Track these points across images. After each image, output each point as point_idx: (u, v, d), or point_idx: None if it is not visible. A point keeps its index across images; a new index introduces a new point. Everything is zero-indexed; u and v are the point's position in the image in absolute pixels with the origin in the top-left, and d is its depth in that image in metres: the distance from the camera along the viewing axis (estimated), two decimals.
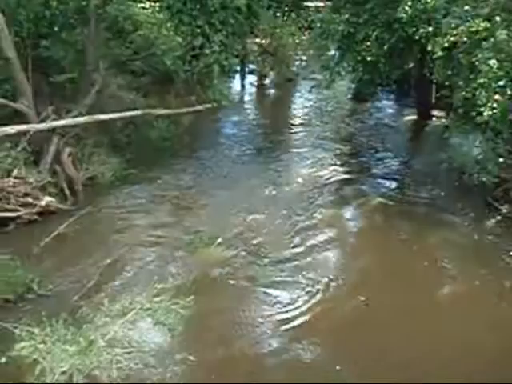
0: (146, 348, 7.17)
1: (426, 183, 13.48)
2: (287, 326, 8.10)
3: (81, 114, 12.69)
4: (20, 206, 10.83)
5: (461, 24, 10.64)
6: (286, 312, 8.42)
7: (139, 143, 14.71)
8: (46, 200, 11.16)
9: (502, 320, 8.30)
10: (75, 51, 13.69)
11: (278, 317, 8.31)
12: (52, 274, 9.02)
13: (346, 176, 14.24)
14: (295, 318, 8.30)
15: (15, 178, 10.98)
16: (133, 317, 6.86)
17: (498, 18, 10.42)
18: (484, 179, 11.46)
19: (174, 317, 7.19)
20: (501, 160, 11.32)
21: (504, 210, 11.47)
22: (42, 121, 11.89)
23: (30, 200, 10.96)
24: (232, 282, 9.23)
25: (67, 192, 11.85)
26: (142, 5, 16.19)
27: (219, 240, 10.30)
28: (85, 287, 8.76)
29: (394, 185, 13.81)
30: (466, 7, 10.63)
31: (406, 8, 11.82)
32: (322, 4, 18.84)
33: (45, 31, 12.78)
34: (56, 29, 13.12)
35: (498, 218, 11.38)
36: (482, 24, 10.42)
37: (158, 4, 16.57)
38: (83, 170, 12.54)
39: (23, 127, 11.37)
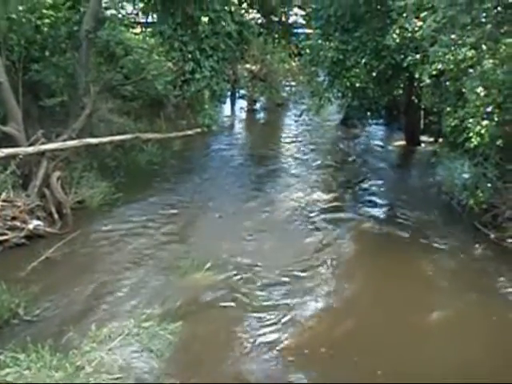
0: (132, 374, 7.05)
1: (414, 208, 13.54)
2: (277, 351, 8.02)
3: (71, 138, 12.69)
4: (7, 229, 10.71)
5: (448, 52, 10.83)
6: (277, 337, 8.33)
7: (128, 167, 14.70)
8: (34, 224, 11.07)
9: (492, 345, 8.27)
10: (66, 75, 13.74)
11: (268, 341, 8.23)
12: (39, 299, 8.88)
13: (336, 200, 14.29)
14: (285, 342, 8.21)
15: (3, 201, 10.90)
16: (120, 342, 6.77)
17: (483, 47, 10.62)
18: (472, 204, 11.54)
19: (161, 342, 7.11)
20: (489, 185, 11.41)
21: (492, 236, 11.53)
22: (32, 144, 11.87)
23: (17, 223, 10.86)
24: (222, 306, 9.14)
25: (56, 216, 11.75)
26: (134, 30, 16.36)
27: (210, 264, 10.24)
28: (71, 312, 8.65)
29: (383, 209, 13.88)
30: (453, 36, 10.83)
31: (394, 36, 12.07)
32: (311, 31, 19.09)
33: (36, 55, 12.84)
34: (47, 53, 13.20)
35: (486, 243, 11.42)
36: (469, 52, 10.62)
37: (149, 29, 16.76)
38: (72, 194, 12.46)
39: (12, 150, 11.34)
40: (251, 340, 8.24)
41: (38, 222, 11.23)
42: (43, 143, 11.99)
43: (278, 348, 8.04)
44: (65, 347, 6.88)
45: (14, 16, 11.83)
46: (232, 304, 9.18)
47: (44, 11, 12.11)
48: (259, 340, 8.22)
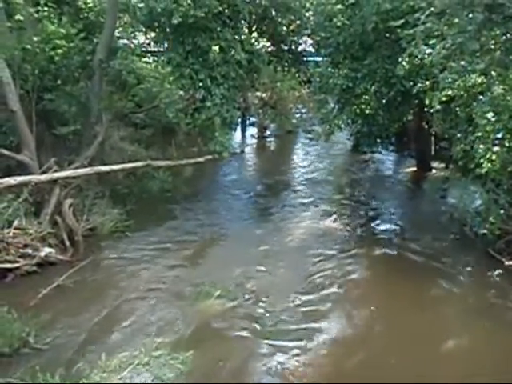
0: None
1: (427, 234, 13.42)
2: (289, 380, 7.92)
3: (83, 166, 12.80)
4: (19, 257, 10.76)
5: (458, 79, 10.86)
6: (289, 365, 8.23)
7: (140, 194, 14.76)
8: (45, 251, 11.11)
9: (507, 372, 8.11)
10: (79, 104, 13.91)
11: (280, 370, 8.12)
12: (49, 327, 8.88)
13: (347, 226, 14.22)
14: (298, 370, 8.10)
15: (15, 228, 10.96)
16: (130, 372, 6.71)
17: (493, 73, 10.64)
18: (485, 231, 11.43)
19: (172, 372, 7.05)
20: (502, 212, 11.31)
21: (506, 263, 11.39)
22: (44, 172, 11.98)
23: (29, 251, 10.91)
24: (233, 334, 9.08)
25: (67, 243, 11.79)
26: (146, 59, 16.58)
27: (219, 291, 10.20)
28: (82, 340, 8.61)
29: (395, 236, 13.76)
30: (463, 62, 10.86)
31: (404, 63, 12.10)
32: (321, 59, 19.26)
33: (49, 84, 13.01)
34: (60, 82, 13.38)
35: (501, 270, 11.28)
36: (479, 79, 10.65)
37: (161, 58, 16.97)
38: (84, 221, 12.52)
39: (25, 178, 11.44)
40: (262, 369, 8.15)
41: (50, 250, 11.26)
42: (56, 171, 12.11)
43: (290, 377, 7.95)
44: (75, 376, 6.84)
45: (28, 46, 12.05)
46: (242, 332, 9.11)
47: (57, 42, 12.29)
48: (270, 369, 8.13)
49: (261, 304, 10.04)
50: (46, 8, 13.03)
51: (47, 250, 11.20)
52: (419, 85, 12.01)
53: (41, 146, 12.58)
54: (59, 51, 12.37)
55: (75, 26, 12.99)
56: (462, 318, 9.82)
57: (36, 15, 12.86)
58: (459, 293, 10.75)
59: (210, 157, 15.97)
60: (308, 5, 20.78)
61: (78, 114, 13.96)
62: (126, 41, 16.11)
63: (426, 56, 11.49)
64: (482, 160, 10.53)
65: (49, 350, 8.34)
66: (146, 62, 15.77)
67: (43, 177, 11.82)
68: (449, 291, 10.74)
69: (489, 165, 10.43)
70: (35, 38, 12.19)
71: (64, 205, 12.14)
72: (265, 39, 21.84)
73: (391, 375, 8.01)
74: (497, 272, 11.25)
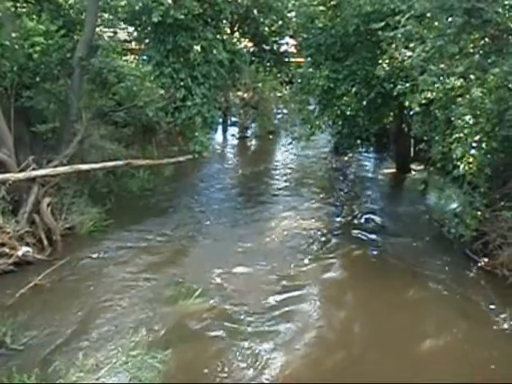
0: None
1: (405, 235, 13.55)
2: (266, 380, 7.93)
3: (62, 164, 12.68)
4: None
5: (437, 81, 10.97)
6: (266, 366, 8.24)
7: (120, 193, 14.66)
8: (23, 250, 10.98)
9: (485, 372, 8.21)
10: (58, 101, 13.77)
11: (257, 370, 8.14)
12: (26, 327, 8.77)
13: (326, 227, 14.28)
14: (275, 372, 8.12)
15: None
16: (108, 372, 6.67)
17: (472, 76, 10.77)
18: (462, 232, 11.56)
19: (150, 372, 7.01)
20: (479, 213, 11.45)
21: (482, 263, 11.54)
22: (23, 170, 11.83)
23: (6, 250, 10.78)
24: (211, 334, 9.06)
25: (45, 242, 11.69)
26: (126, 58, 16.46)
27: (199, 291, 10.17)
28: (59, 340, 8.53)
29: (374, 237, 13.84)
30: (442, 65, 10.99)
31: (384, 65, 12.20)
32: (302, 60, 19.35)
33: (28, 82, 12.85)
34: (39, 79, 13.22)
35: (477, 271, 11.43)
36: (457, 82, 10.77)
37: (142, 57, 16.87)
38: (62, 220, 12.41)
39: (3, 176, 11.30)
40: (240, 369, 8.15)
41: (27, 249, 11.14)
42: (34, 169, 11.97)
43: (267, 378, 7.96)
44: (52, 377, 6.77)
45: (6, 43, 11.88)
46: (221, 332, 9.10)
47: (36, 39, 12.12)
48: (249, 370, 8.14)
49: (240, 304, 10.04)
50: (25, 4, 12.87)
51: (24, 249, 11.07)
52: (399, 87, 12.09)
53: (19, 143, 12.42)
54: (38, 48, 12.20)
55: (55, 23, 12.82)
56: (439, 317, 9.92)
57: (14, 11, 12.69)
58: (437, 293, 10.84)
59: (190, 156, 15.92)
60: (290, 5, 20.87)
61: (57, 111, 13.81)
62: (106, 38, 15.96)
63: (406, 58, 11.60)
64: (459, 162, 10.65)
65: (26, 350, 8.25)
66: (126, 61, 15.66)
67: (21, 175, 11.68)
68: (427, 291, 10.84)
69: (466, 167, 10.56)
70: (14, 35, 12.02)
71: (42, 203, 12.03)
72: (247, 39, 21.90)
73: (370, 375, 8.06)
74: (474, 273, 11.40)
